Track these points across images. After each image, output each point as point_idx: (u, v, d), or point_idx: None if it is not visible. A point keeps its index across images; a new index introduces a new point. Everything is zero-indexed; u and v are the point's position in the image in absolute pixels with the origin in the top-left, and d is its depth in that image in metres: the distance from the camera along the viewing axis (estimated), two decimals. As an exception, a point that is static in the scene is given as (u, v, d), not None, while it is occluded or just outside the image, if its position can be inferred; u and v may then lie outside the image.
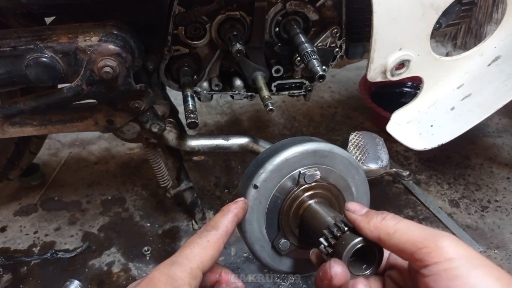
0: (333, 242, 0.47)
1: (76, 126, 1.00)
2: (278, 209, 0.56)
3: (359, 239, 0.45)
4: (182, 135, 1.14)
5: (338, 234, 0.47)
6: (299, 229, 0.56)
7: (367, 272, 0.47)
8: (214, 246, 0.47)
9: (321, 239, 0.48)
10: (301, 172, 0.55)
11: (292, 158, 0.54)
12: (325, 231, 0.49)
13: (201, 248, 0.46)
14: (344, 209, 0.49)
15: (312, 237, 0.52)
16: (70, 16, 0.90)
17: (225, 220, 0.50)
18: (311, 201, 0.55)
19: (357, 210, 0.47)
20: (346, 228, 0.47)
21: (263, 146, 1.17)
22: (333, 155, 0.56)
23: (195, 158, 1.67)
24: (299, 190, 0.55)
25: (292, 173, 0.55)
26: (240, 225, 0.55)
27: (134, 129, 1.04)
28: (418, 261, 0.40)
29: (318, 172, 0.55)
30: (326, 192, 0.56)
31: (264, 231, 0.56)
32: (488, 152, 1.71)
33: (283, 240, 0.56)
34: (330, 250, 0.47)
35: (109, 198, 1.50)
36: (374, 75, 1.01)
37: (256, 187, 0.53)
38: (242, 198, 0.55)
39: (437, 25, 1.03)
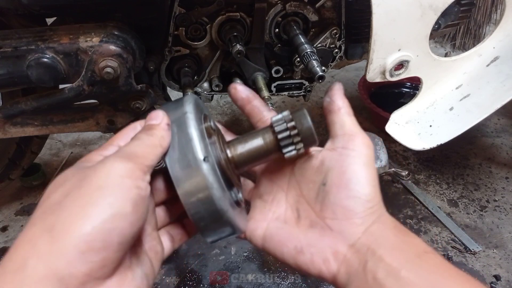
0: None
1: (78, 126, 1.01)
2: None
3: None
4: (182, 135, 1.14)
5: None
6: None
7: None
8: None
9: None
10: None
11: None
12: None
13: None
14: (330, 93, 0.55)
15: None
16: (71, 17, 0.90)
17: None
18: None
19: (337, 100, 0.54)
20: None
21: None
22: None
23: (195, 158, 1.68)
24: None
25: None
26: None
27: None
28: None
29: None
30: None
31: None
32: (486, 152, 1.71)
33: None
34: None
35: (110, 198, 1.50)
36: (373, 75, 1.02)
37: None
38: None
39: (436, 26, 1.03)
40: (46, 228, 0.35)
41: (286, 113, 0.49)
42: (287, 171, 0.54)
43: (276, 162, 0.54)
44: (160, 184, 0.49)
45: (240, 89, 0.56)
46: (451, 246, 1.32)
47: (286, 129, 0.48)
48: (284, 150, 0.49)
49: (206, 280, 1.21)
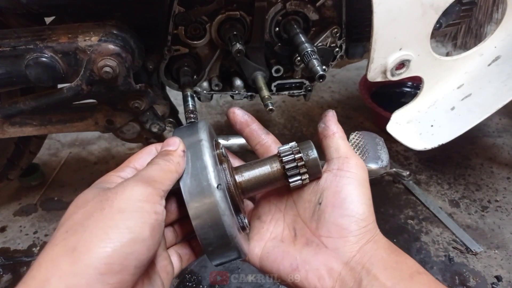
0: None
1: (76, 126, 1.00)
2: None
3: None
4: (182, 135, 1.14)
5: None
6: None
7: None
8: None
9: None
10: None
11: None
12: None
13: None
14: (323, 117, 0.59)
15: None
16: (70, 16, 0.90)
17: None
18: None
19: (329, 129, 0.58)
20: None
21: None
22: None
23: (195, 158, 1.67)
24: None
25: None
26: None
27: (134, 129, 1.04)
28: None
29: None
30: None
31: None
32: (488, 152, 1.71)
33: None
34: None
35: (109, 198, 1.49)
36: (374, 75, 1.01)
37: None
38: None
39: (437, 25, 1.03)
40: (68, 249, 0.36)
41: (293, 144, 0.52)
42: (285, 192, 0.56)
43: None
44: (170, 205, 0.50)
45: (238, 113, 0.58)
46: (453, 247, 1.31)
47: (294, 160, 0.50)
48: (290, 180, 0.51)
49: (206, 281, 1.20)
